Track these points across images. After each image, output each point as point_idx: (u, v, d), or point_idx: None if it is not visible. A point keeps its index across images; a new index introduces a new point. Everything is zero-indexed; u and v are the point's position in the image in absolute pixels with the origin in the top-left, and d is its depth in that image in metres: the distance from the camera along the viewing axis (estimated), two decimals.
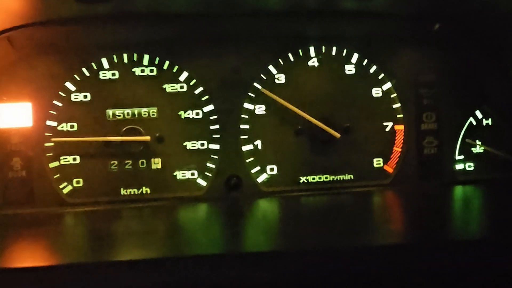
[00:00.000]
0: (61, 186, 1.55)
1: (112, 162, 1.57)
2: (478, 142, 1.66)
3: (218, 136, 1.60)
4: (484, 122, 1.66)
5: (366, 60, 1.64)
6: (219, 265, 0.94)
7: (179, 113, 1.59)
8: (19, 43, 1.44)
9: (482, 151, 1.66)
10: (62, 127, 1.56)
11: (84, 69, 1.56)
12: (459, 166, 1.66)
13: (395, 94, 1.64)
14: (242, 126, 1.61)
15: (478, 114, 1.66)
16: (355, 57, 1.64)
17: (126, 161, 1.57)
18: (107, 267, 0.95)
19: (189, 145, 1.59)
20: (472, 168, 1.66)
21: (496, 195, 1.54)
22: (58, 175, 1.55)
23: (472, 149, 1.66)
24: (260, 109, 1.61)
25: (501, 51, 1.51)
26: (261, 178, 1.61)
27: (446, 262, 0.95)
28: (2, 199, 1.53)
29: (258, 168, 1.61)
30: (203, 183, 1.59)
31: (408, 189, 1.62)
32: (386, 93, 1.64)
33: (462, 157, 1.66)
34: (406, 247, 0.98)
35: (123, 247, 1.12)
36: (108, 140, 1.55)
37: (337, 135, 1.60)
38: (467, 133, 1.66)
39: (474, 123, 1.66)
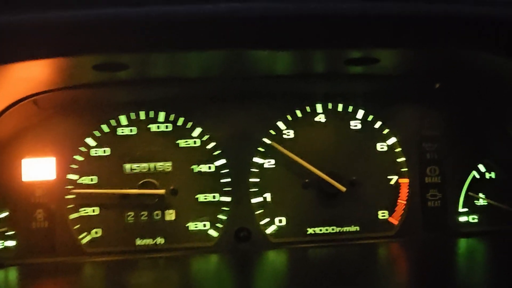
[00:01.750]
0: (80, 236, 1.63)
1: (128, 213, 1.65)
2: (481, 195, 1.70)
3: (229, 189, 1.67)
4: (487, 175, 1.71)
5: (371, 116, 1.71)
6: None
7: (192, 167, 1.67)
8: (44, 105, 1.55)
9: (485, 204, 1.70)
10: (83, 180, 1.64)
11: (103, 126, 1.66)
12: (462, 219, 1.70)
13: (399, 149, 1.70)
14: (252, 180, 1.68)
15: (481, 167, 1.71)
16: (360, 113, 1.71)
17: (142, 213, 1.65)
18: None
19: (201, 197, 1.67)
20: (475, 221, 1.70)
21: (499, 247, 1.57)
22: (78, 225, 1.64)
23: (476, 202, 1.70)
24: (269, 163, 1.69)
25: (499, 109, 1.57)
26: (269, 230, 1.67)
27: None
28: (26, 248, 1.61)
29: (267, 219, 1.67)
30: (214, 234, 1.66)
31: (412, 241, 1.67)
32: (390, 147, 1.71)
33: (465, 209, 1.70)
34: None
35: None
36: (125, 193, 1.63)
37: (343, 188, 1.65)
38: (471, 186, 1.70)
39: (478, 176, 1.71)
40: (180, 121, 1.68)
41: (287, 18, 1.11)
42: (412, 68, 1.49)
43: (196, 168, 1.67)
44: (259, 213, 1.67)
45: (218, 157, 1.68)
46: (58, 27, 1.04)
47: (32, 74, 1.32)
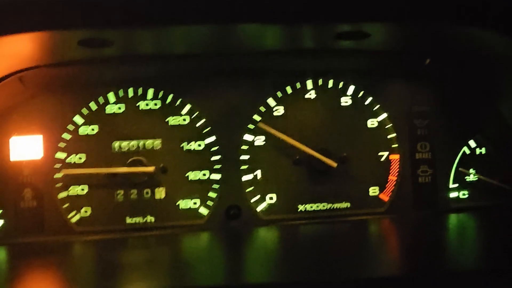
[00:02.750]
0: (69, 215, 1.63)
1: (118, 192, 1.64)
2: (471, 170, 1.70)
3: (219, 166, 1.66)
4: (478, 151, 1.71)
5: (361, 92, 1.70)
6: None
7: (182, 145, 1.66)
8: (30, 82, 1.52)
9: (475, 179, 1.71)
10: (71, 159, 1.63)
11: (91, 104, 1.64)
12: (453, 194, 1.70)
13: (390, 125, 1.70)
14: (242, 157, 1.67)
15: (472, 143, 1.71)
16: (351, 89, 1.70)
17: (131, 191, 1.64)
18: None
19: (191, 175, 1.66)
20: (466, 196, 1.71)
21: (489, 222, 1.59)
22: (67, 204, 1.63)
23: (466, 177, 1.71)
24: (259, 140, 1.68)
25: (490, 85, 1.56)
26: (260, 207, 1.67)
27: None
28: (14, 228, 1.60)
29: (257, 197, 1.67)
30: (204, 211, 1.66)
31: (403, 217, 1.67)
32: (381, 123, 1.70)
33: (456, 185, 1.70)
34: (403, 279, 1.03)
35: (128, 278, 1.17)
36: (113, 172, 1.62)
37: (334, 164, 1.65)
38: (461, 162, 1.71)
39: (468, 152, 1.71)
40: (169, 98, 1.66)
41: None
42: (402, 44, 1.47)
43: (185, 146, 1.66)
44: (250, 190, 1.67)
45: (207, 135, 1.66)
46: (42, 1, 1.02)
47: (16, 50, 1.29)
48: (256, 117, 1.67)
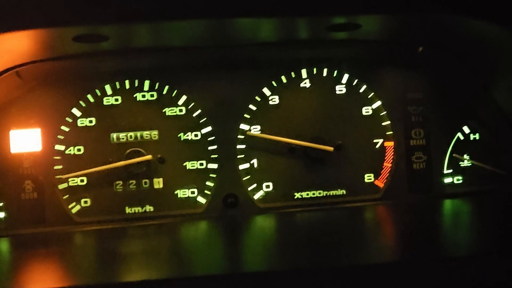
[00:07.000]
0: (70, 206, 1.65)
1: (117, 182, 1.66)
2: (465, 156, 1.72)
3: (216, 156, 1.69)
4: (472, 137, 1.73)
5: (356, 80, 1.71)
6: (220, 285, 1.01)
7: (179, 135, 1.68)
8: (27, 77, 1.54)
9: (469, 164, 1.73)
10: (70, 150, 1.65)
11: (88, 96, 1.66)
12: (447, 180, 1.72)
13: (384, 112, 1.72)
14: (238, 146, 1.69)
15: (466, 129, 1.73)
16: (345, 77, 1.71)
17: (130, 181, 1.67)
18: None
19: (189, 165, 1.68)
20: (460, 182, 1.73)
21: (483, 207, 1.61)
22: (67, 196, 1.65)
23: (460, 163, 1.73)
24: (255, 130, 1.70)
25: (482, 71, 1.58)
26: (257, 195, 1.69)
27: (438, 279, 1.01)
28: (16, 219, 1.63)
29: (254, 185, 1.69)
30: (202, 200, 1.68)
31: (398, 203, 1.69)
32: (375, 111, 1.72)
33: (450, 171, 1.72)
34: (399, 265, 1.04)
35: (128, 268, 1.18)
36: (112, 167, 1.63)
37: (330, 148, 1.67)
38: (455, 148, 1.72)
39: (462, 138, 1.73)
40: (165, 89, 1.68)
41: None
42: (395, 33, 1.48)
43: (183, 136, 1.68)
44: (246, 179, 1.69)
45: (204, 125, 1.68)
46: None
47: (13, 46, 1.31)
48: (252, 107, 1.69)
